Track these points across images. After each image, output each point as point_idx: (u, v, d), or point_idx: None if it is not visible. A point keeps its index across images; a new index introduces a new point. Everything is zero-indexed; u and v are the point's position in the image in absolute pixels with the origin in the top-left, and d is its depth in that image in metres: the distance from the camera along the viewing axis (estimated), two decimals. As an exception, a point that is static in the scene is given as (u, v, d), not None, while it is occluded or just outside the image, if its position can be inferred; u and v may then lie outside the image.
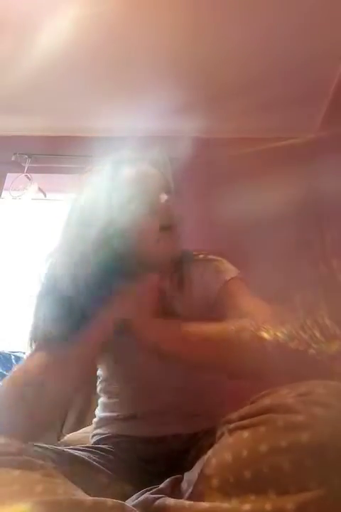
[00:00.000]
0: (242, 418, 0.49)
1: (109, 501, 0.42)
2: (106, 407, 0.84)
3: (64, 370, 0.63)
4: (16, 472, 0.42)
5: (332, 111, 1.61)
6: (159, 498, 0.48)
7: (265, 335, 1.01)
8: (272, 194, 1.43)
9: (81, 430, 1.11)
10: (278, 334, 1.11)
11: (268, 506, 0.40)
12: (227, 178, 1.57)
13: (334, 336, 1.23)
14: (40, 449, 0.53)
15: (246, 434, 0.46)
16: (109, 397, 0.84)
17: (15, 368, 0.69)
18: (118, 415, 0.79)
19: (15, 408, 0.61)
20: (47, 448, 0.56)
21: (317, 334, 1.23)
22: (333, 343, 1.21)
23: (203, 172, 1.54)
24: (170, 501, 0.47)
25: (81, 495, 0.44)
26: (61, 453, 0.61)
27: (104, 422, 0.82)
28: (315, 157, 1.58)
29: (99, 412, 0.85)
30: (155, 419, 0.75)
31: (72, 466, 0.58)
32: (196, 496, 0.47)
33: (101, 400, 0.86)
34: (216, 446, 0.51)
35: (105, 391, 0.85)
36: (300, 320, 1.26)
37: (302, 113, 1.69)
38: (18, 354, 1.65)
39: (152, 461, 0.72)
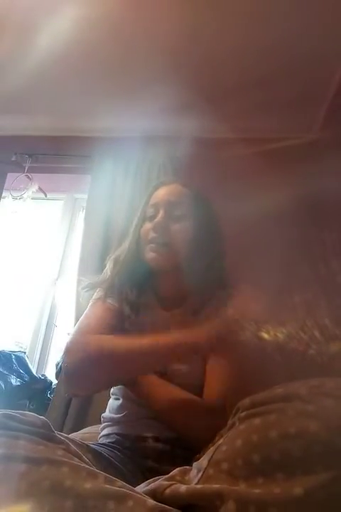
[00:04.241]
0: (255, 405, 0.50)
1: (115, 488, 0.45)
2: (112, 408, 0.88)
3: (145, 360, 0.73)
4: (40, 441, 0.49)
5: (333, 111, 1.60)
6: (171, 484, 0.49)
7: (265, 335, 1.01)
8: (272, 194, 1.43)
9: (82, 430, 1.11)
10: (278, 335, 1.11)
11: (276, 490, 0.41)
12: (227, 178, 1.57)
13: (334, 337, 1.23)
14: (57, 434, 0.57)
15: (257, 421, 0.47)
16: (114, 399, 0.89)
17: (106, 338, 0.79)
18: (117, 417, 0.84)
19: None
20: (62, 434, 0.59)
21: (317, 334, 1.24)
22: (333, 343, 1.21)
23: (203, 172, 1.54)
24: (182, 487, 0.48)
25: (93, 470, 0.48)
26: (75, 440, 0.64)
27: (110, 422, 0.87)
28: (316, 157, 1.57)
29: (108, 413, 0.90)
30: (138, 422, 0.80)
31: (83, 451, 0.60)
32: (205, 479, 0.48)
33: (110, 401, 0.91)
34: (228, 433, 0.51)
35: (113, 392, 0.90)
36: (300, 320, 1.26)
37: (302, 113, 1.69)
38: (18, 354, 1.66)
39: (154, 459, 0.75)
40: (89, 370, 0.73)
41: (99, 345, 0.73)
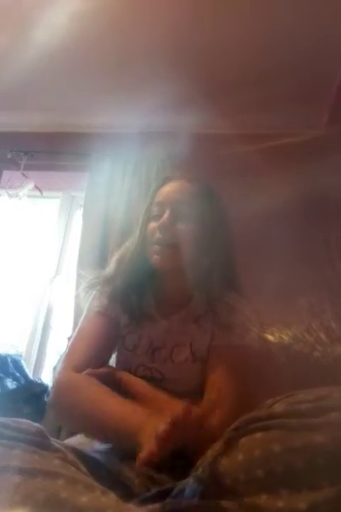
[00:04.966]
0: (253, 421, 0.49)
1: (112, 502, 0.44)
2: None
3: (99, 431, 0.73)
4: (35, 450, 0.49)
5: (338, 107, 1.58)
6: (172, 501, 0.49)
7: (270, 337, 0.99)
8: (277, 192, 1.41)
9: (79, 436, 1.08)
10: (283, 336, 1.09)
11: (280, 504, 0.40)
12: (230, 175, 1.55)
13: (339, 338, 1.21)
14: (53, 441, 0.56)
15: (258, 434, 0.46)
16: None
17: (79, 383, 0.79)
18: None
19: None
20: (57, 441, 0.58)
21: (323, 336, 1.22)
22: (338, 345, 1.19)
23: (204, 168, 1.51)
24: (183, 502, 0.47)
25: (90, 482, 0.48)
26: (71, 447, 0.63)
27: None
28: (321, 155, 1.55)
29: None
30: None
31: (80, 459, 0.59)
32: (207, 495, 0.47)
33: None
34: (228, 447, 0.50)
35: None
36: (306, 322, 1.24)
37: (307, 109, 1.67)
38: (14, 356, 1.63)
39: (153, 467, 0.71)
40: (67, 413, 0.76)
41: (69, 392, 0.75)
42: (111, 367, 0.86)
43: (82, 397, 0.72)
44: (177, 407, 0.52)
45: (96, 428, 0.70)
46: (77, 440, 1.02)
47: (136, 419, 0.62)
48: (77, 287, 1.56)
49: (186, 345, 0.84)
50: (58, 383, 0.77)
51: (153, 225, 0.88)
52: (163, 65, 1.55)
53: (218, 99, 1.64)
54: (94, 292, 0.91)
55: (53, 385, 0.78)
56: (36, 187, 1.95)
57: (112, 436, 0.66)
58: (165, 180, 0.94)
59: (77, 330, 0.88)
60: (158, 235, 0.85)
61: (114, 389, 0.77)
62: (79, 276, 1.59)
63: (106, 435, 0.68)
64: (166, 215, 0.85)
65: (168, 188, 0.90)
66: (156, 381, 0.83)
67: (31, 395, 1.53)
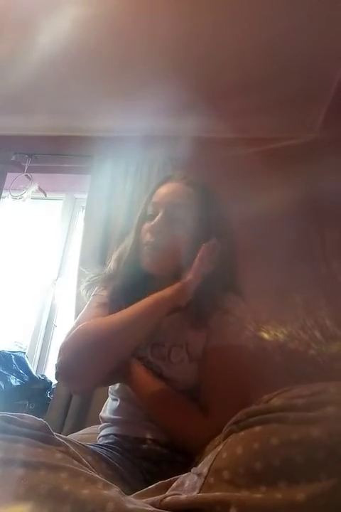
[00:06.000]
0: (252, 415, 0.49)
1: (113, 494, 0.45)
2: (111, 409, 0.87)
3: (137, 323, 0.76)
4: (39, 444, 0.49)
5: (333, 111, 1.60)
6: (171, 494, 0.49)
7: (265, 335, 1.01)
8: (272, 194, 1.42)
9: (81, 431, 1.11)
10: (279, 334, 1.11)
11: (278, 496, 0.40)
12: (227, 178, 1.56)
13: (334, 337, 1.23)
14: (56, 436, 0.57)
15: (257, 428, 0.47)
16: (113, 399, 0.88)
17: (101, 319, 0.80)
18: (116, 418, 0.83)
19: (95, 348, 0.74)
20: (60, 435, 0.59)
21: (318, 335, 1.24)
22: (333, 343, 1.21)
23: (202, 171, 1.53)
24: (183, 495, 0.47)
25: (92, 475, 0.48)
26: (74, 442, 0.64)
27: (108, 422, 0.86)
28: (316, 157, 1.57)
29: (107, 414, 0.88)
30: (137, 423, 0.79)
31: (82, 453, 0.60)
32: (207, 488, 0.47)
33: (109, 401, 0.90)
34: (227, 440, 0.51)
35: (111, 393, 0.89)
36: (301, 320, 1.26)
37: (302, 113, 1.68)
38: (17, 354, 1.65)
39: (153, 461, 0.75)
40: (89, 355, 0.74)
41: (96, 326, 0.76)
42: None
43: (112, 318, 0.76)
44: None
45: (125, 326, 0.74)
46: (80, 435, 1.06)
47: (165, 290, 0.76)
48: (79, 286, 1.56)
49: (182, 346, 0.82)
50: (77, 332, 0.75)
51: (146, 226, 0.86)
52: (164, 69, 1.56)
53: (217, 103, 1.66)
54: (96, 288, 0.91)
55: (68, 340, 0.76)
56: (40, 189, 1.98)
57: (142, 320, 0.75)
58: (165, 180, 0.91)
59: (79, 316, 0.86)
60: (148, 237, 0.83)
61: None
62: (80, 273, 1.60)
63: (138, 323, 0.75)
64: (158, 217, 0.83)
65: (165, 190, 0.88)
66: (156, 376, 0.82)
67: (35, 391, 1.55)
